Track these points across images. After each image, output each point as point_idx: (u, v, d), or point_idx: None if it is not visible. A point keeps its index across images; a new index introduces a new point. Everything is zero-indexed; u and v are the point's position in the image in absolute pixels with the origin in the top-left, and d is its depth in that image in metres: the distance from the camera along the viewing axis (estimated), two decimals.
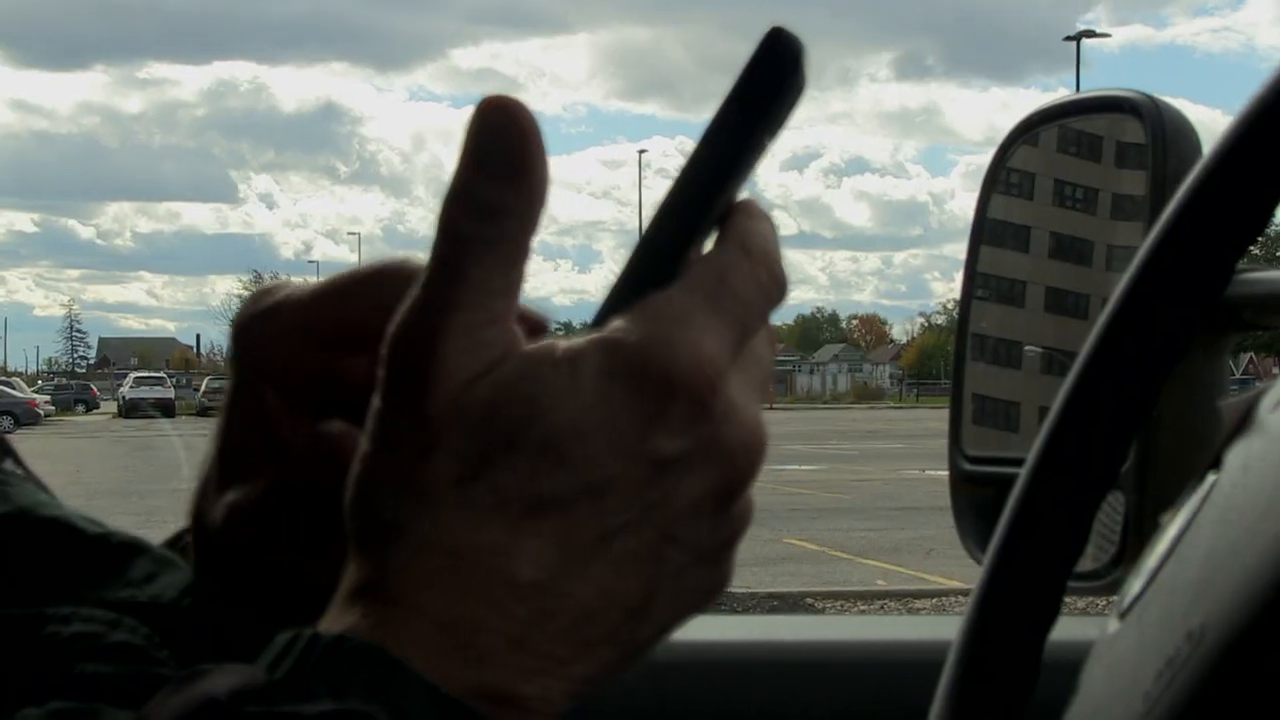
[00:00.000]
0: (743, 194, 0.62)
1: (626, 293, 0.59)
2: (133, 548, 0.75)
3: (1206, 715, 0.58)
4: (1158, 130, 1.35)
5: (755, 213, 0.62)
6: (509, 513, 0.56)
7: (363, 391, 0.69)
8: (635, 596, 0.58)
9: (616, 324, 0.58)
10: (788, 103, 0.60)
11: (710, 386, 0.58)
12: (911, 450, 31.09)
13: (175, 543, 0.80)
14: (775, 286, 0.61)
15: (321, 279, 0.73)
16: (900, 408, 79.38)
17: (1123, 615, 0.72)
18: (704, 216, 0.60)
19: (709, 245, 0.62)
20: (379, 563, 0.57)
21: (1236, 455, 0.68)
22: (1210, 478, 0.70)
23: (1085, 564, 1.37)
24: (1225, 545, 0.62)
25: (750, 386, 0.61)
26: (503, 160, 0.58)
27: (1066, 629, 0.87)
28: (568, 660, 0.57)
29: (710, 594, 0.62)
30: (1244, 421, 0.69)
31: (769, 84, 0.59)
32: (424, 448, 0.57)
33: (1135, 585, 0.72)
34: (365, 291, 0.70)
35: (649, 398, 0.57)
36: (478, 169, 0.58)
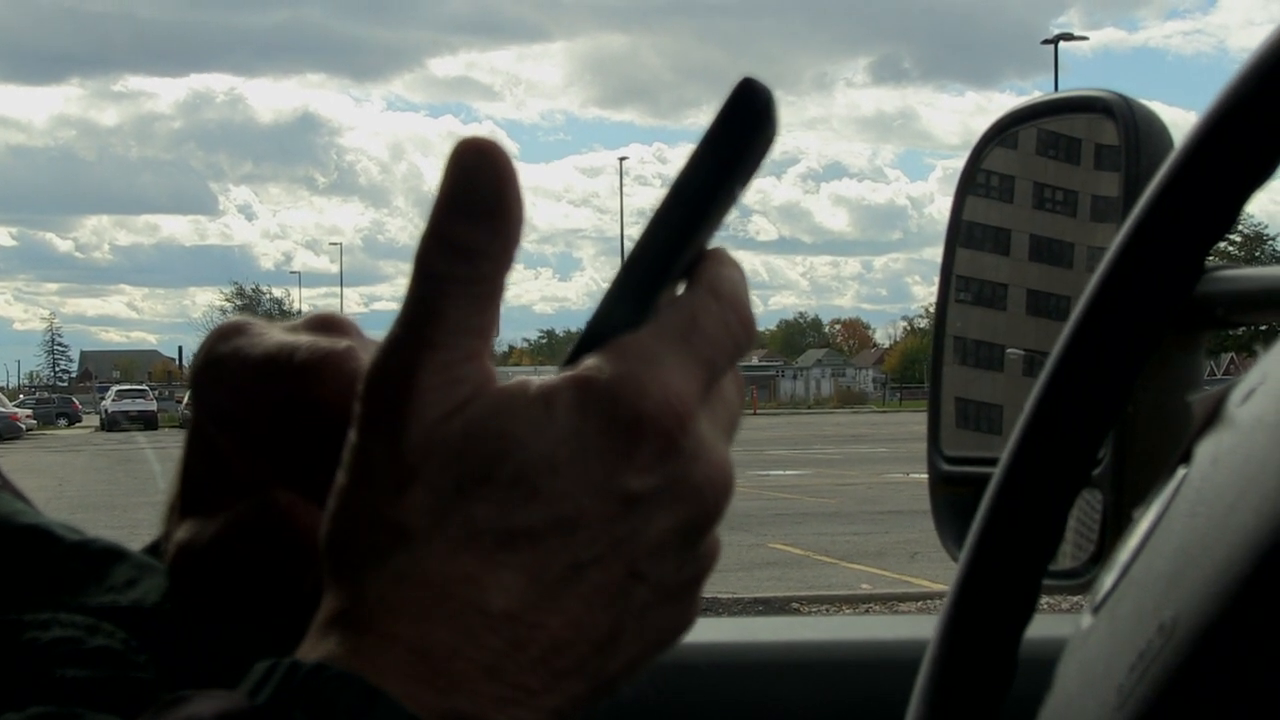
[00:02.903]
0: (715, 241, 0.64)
1: (599, 333, 0.60)
2: (113, 554, 0.75)
3: (1178, 706, 0.59)
4: (1130, 130, 1.36)
5: (725, 260, 0.63)
6: (482, 544, 0.57)
7: (306, 450, 0.71)
8: (604, 630, 0.59)
9: (588, 362, 0.59)
10: (758, 152, 0.61)
11: (680, 425, 0.59)
12: (895, 454, 31.11)
13: (155, 549, 0.80)
14: (744, 330, 0.62)
15: (277, 335, 0.72)
16: (884, 412, 79.43)
17: (1096, 610, 0.73)
18: (674, 262, 0.61)
19: (681, 290, 0.63)
20: (354, 592, 0.58)
21: (1206, 449, 0.68)
22: (1181, 472, 0.70)
23: (1065, 562, 1.37)
24: (1195, 538, 0.63)
25: (719, 427, 0.62)
26: (479, 202, 0.58)
27: (1044, 626, 0.88)
28: (538, 691, 0.58)
29: (675, 632, 0.63)
30: (1213, 415, 0.70)
31: (739, 134, 0.60)
32: (399, 481, 0.58)
33: (1108, 580, 0.73)
34: (304, 377, 0.70)
35: (619, 435, 0.58)
36: (454, 210, 0.58)
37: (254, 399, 0.71)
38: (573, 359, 0.60)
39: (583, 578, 0.58)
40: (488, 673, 0.56)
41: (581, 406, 0.58)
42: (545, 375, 0.60)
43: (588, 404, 0.58)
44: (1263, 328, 1.13)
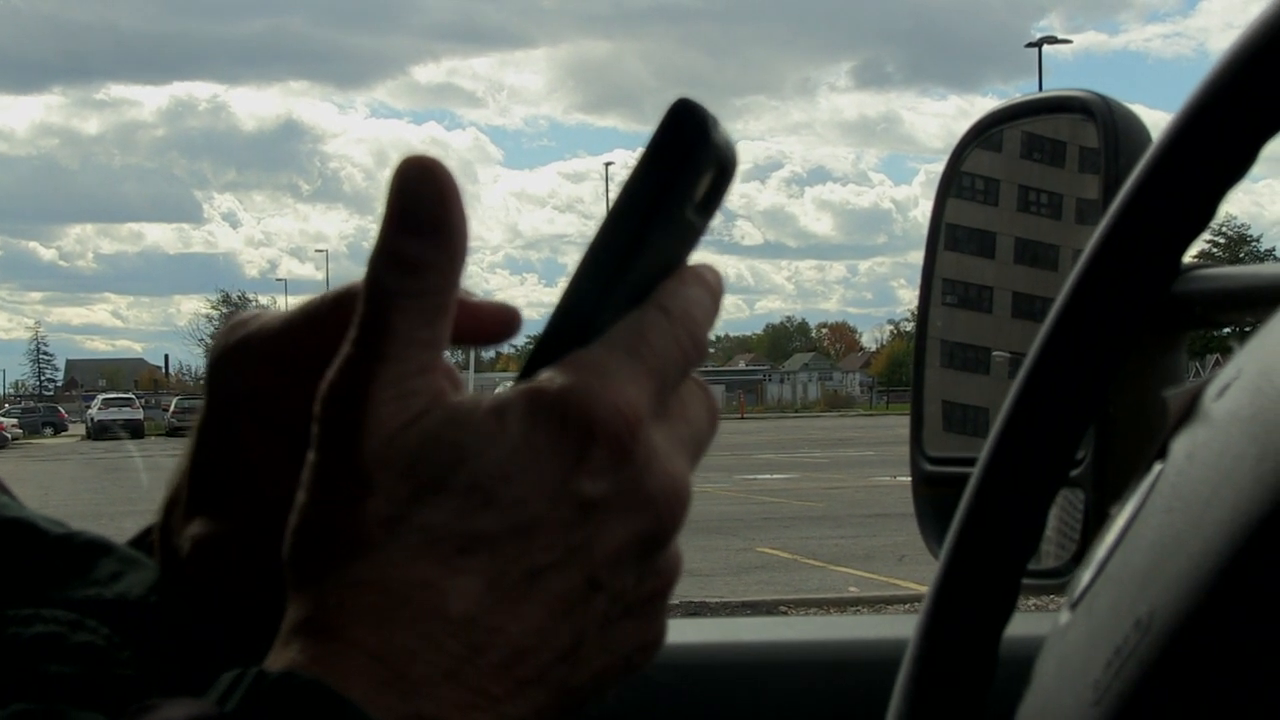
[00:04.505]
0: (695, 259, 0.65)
1: (548, 351, 0.62)
2: (98, 547, 0.76)
3: (1154, 702, 0.59)
4: (1110, 129, 1.37)
5: (689, 278, 0.65)
6: (440, 550, 0.58)
7: None
8: (565, 639, 0.60)
9: (539, 375, 0.61)
10: (694, 173, 0.61)
11: (630, 431, 0.60)
12: (882, 457, 31.14)
13: (140, 541, 0.81)
14: (693, 345, 0.64)
15: (292, 307, 0.74)
16: (871, 415, 79.48)
17: (1074, 606, 0.73)
18: (616, 282, 0.62)
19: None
20: (314, 600, 0.59)
21: (1181, 445, 0.69)
22: (1156, 467, 0.70)
23: (1048, 562, 1.38)
24: (1171, 534, 0.63)
25: (677, 442, 0.63)
26: (423, 217, 0.60)
27: (1026, 624, 0.88)
28: (501, 698, 0.58)
29: (642, 649, 0.64)
30: (1189, 411, 0.70)
31: (673, 157, 0.61)
32: (356, 493, 0.59)
33: (1085, 576, 0.73)
34: (333, 316, 0.71)
35: (571, 441, 0.59)
36: (400, 226, 0.60)
37: (283, 364, 0.72)
38: (524, 375, 0.62)
39: (541, 584, 0.59)
40: (449, 677, 0.57)
41: (532, 415, 0.59)
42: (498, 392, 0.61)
43: (538, 413, 0.60)
44: (1246, 328, 1.13)
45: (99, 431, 63.18)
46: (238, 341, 0.73)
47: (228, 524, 0.73)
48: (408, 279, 0.60)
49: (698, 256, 0.65)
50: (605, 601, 0.61)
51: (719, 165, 0.62)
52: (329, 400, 0.60)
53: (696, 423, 0.65)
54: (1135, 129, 1.37)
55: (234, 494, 0.74)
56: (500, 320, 0.69)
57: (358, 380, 0.60)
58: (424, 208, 0.60)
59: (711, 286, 0.65)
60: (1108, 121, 1.37)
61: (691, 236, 0.63)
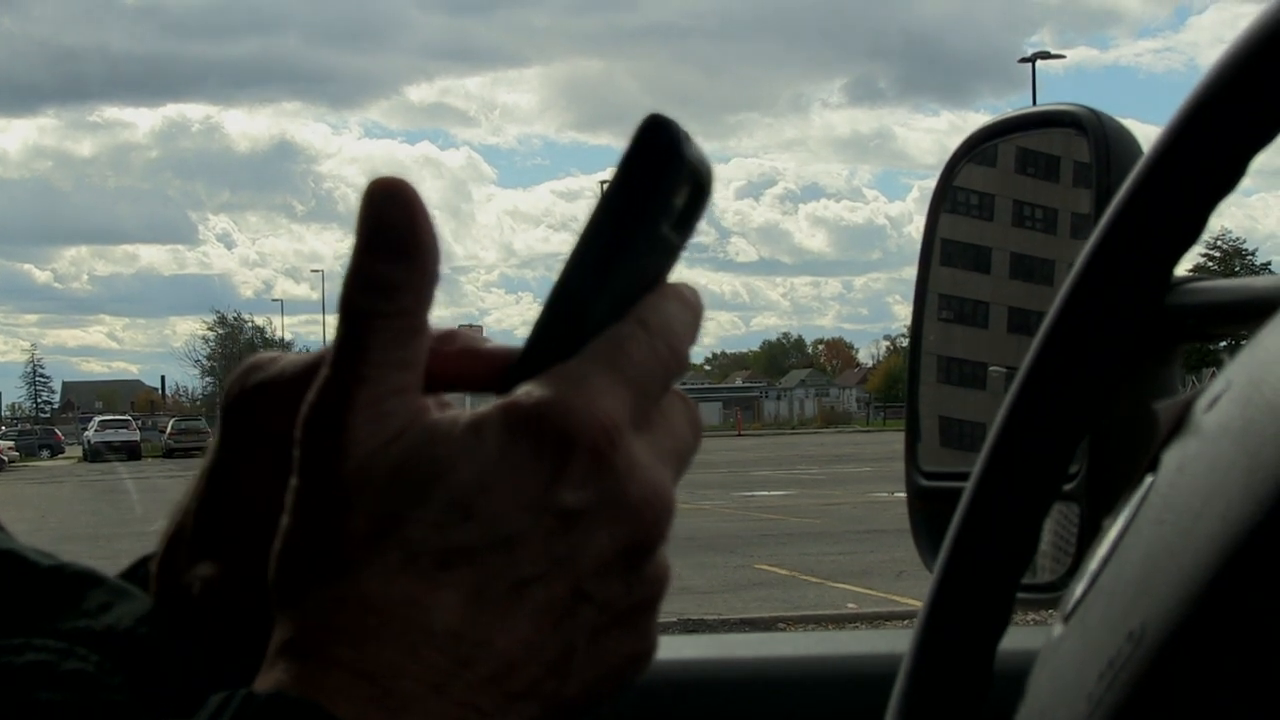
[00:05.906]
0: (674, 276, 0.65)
1: (528, 368, 0.62)
2: (87, 579, 0.75)
3: (1148, 714, 0.59)
4: (1101, 143, 1.37)
5: (669, 294, 0.65)
6: (421, 565, 0.58)
7: None
8: (554, 651, 0.60)
9: (517, 390, 0.61)
10: (669, 186, 0.61)
11: (608, 440, 0.60)
12: (880, 473, 31.11)
13: (133, 573, 0.80)
14: (674, 359, 0.64)
15: (314, 352, 0.73)
16: (868, 431, 79.47)
17: (1067, 619, 0.73)
18: (593, 299, 0.62)
19: None
20: (298, 620, 0.59)
21: (1172, 457, 0.69)
22: (1148, 480, 0.71)
23: (1043, 575, 1.38)
24: (1162, 546, 0.63)
25: (659, 452, 0.63)
26: (393, 239, 0.61)
27: (1021, 638, 0.88)
28: (491, 712, 0.59)
29: (635, 660, 0.64)
30: (1180, 423, 0.70)
31: (645, 173, 0.61)
32: (336, 514, 0.59)
33: (1078, 589, 0.73)
34: None
35: (549, 452, 0.60)
36: (370, 248, 0.61)
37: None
38: (503, 391, 0.62)
39: (526, 596, 0.59)
40: (436, 691, 0.57)
41: (510, 429, 0.60)
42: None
43: (515, 425, 0.60)
44: (1240, 341, 1.13)
45: (96, 454, 63.07)
46: (256, 385, 0.73)
47: (238, 566, 0.73)
48: (380, 300, 0.60)
49: (685, 276, 0.66)
50: (593, 612, 0.61)
51: (695, 182, 0.62)
52: (308, 422, 0.61)
53: (679, 434, 0.65)
54: (1126, 143, 1.37)
55: (246, 536, 0.73)
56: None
57: (335, 402, 0.60)
58: (393, 229, 0.61)
59: (690, 301, 0.66)
60: (1099, 135, 1.37)
61: (669, 254, 0.64)
